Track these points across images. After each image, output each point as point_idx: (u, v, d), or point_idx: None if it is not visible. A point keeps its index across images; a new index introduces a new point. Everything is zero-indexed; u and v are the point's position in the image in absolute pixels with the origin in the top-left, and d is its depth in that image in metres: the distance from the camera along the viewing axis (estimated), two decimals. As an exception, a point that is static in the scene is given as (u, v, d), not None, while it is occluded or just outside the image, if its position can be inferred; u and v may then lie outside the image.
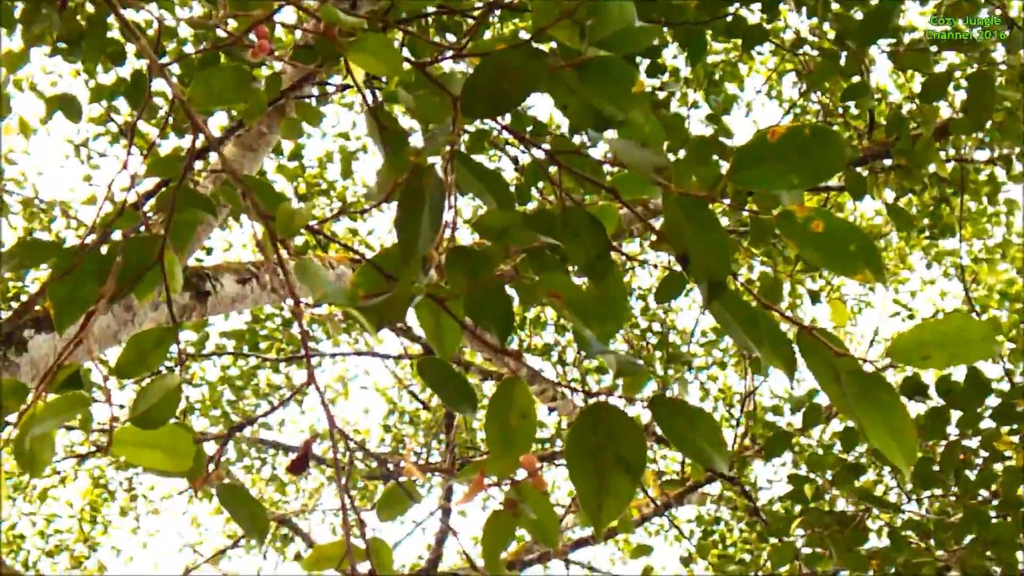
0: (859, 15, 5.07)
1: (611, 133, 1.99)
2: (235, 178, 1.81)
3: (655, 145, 1.84)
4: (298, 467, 1.77)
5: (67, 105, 5.35)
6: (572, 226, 1.94)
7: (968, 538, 5.30)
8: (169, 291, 1.98)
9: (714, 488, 11.59)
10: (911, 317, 11.71)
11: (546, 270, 1.95)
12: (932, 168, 8.83)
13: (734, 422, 12.01)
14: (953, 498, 5.44)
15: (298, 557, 11.20)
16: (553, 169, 2.04)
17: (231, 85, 2.00)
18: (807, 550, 5.50)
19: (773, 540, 5.84)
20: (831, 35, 5.57)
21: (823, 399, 5.58)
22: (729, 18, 5.42)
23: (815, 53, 5.78)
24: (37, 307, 4.68)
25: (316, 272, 1.72)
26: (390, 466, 9.14)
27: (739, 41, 5.62)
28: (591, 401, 1.84)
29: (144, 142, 7.60)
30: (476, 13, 4.34)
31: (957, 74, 5.85)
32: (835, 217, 1.84)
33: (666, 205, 1.84)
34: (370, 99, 2.04)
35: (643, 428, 1.83)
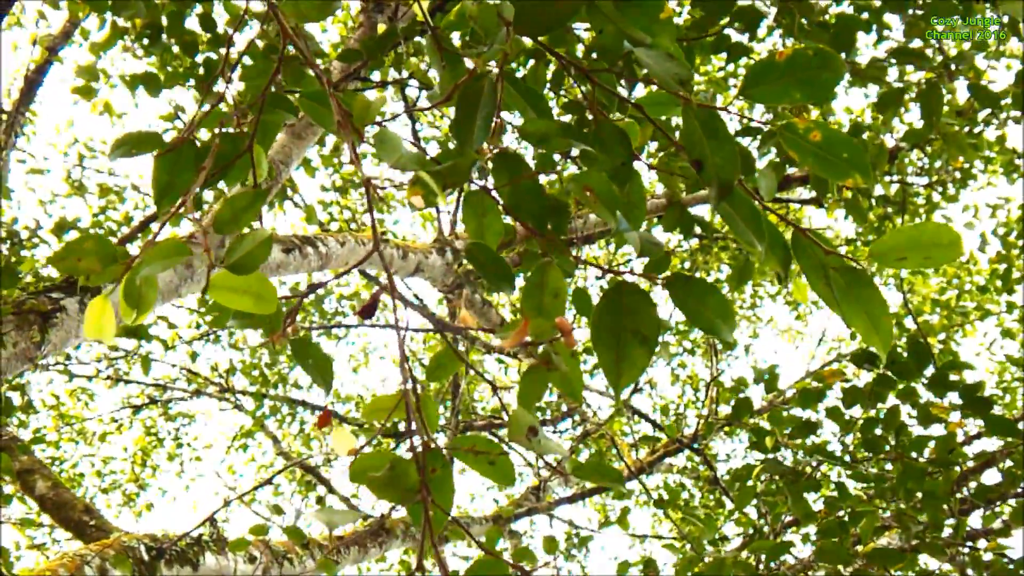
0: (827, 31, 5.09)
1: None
2: (322, 78, 1.82)
3: (678, 59, 1.84)
4: (367, 312, 1.77)
5: (149, 82, 5.35)
6: (602, 136, 1.94)
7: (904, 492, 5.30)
8: (256, 177, 1.98)
9: (680, 460, 11.60)
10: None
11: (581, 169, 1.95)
12: (879, 190, 8.86)
13: (699, 404, 12.02)
14: (893, 458, 5.44)
15: (320, 501, 11.17)
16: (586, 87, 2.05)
17: (316, 2, 2.00)
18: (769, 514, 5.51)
19: (735, 491, 5.84)
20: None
21: (782, 375, 5.58)
22: (715, 37, 5.44)
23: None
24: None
25: (392, 140, 1.72)
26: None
27: (724, 56, 5.64)
28: (611, 280, 1.85)
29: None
30: None
31: (911, 92, 5.87)
32: (831, 128, 1.85)
33: (685, 116, 1.85)
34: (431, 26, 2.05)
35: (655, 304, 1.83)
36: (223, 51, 5.64)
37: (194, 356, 10.76)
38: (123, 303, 1.73)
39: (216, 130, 2.02)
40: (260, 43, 6.26)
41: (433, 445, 1.80)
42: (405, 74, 7.12)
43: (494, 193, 1.95)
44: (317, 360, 1.90)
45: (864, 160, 1.83)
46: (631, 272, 1.84)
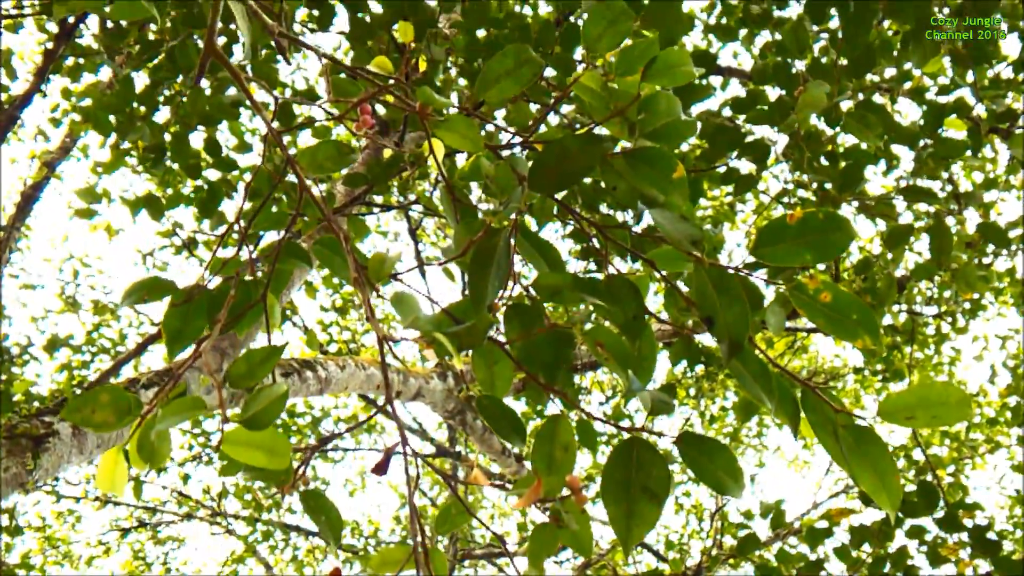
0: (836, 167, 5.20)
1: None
2: (338, 232, 1.89)
3: (691, 221, 1.92)
4: (381, 469, 1.81)
5: (151, 205, 5.44)
6: (613, 290, 2.00)
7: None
8: (270, 326, 2.04)
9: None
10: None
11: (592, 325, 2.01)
12: (887, 320, 8.93)
13: (704, 534, 11.96)
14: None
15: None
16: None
17: (333, 156, 2.08)
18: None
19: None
20: (808, 188, 5.68)
21: (789, 508, 5.60)
22: (723, 169, 5.55)
23: (796, 201, 5.89)
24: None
25: (408, 301, 1.78)
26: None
27: (731, 188, 5.75)
28: (625, 436, 1.89)
29: (210, 249, 7.70)
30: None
31: (919, 224, 5.96)
32: (840, 290, 1.91)
33: (697, 275, 1.92)
34: (445, 175, 2.13)
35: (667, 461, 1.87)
36: (233, 186, 5.76)
37: (186, 478, 10.74)
38: (135, 455, 1.78)
39: (231, 277, 2.08)
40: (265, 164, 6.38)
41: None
42: (410, 197, 7.24)
43: (506, 346, 2.01)
44: (327, 513, 1.94)
45: (874, 322, 1.89)
46: (643, 429, 1.89)
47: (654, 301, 10.09)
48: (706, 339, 8.74)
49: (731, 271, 1.90)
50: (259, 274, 2.13)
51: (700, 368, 10.35)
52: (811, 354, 11.67)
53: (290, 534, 11.26)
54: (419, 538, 1.83)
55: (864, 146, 5.18)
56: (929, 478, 5.93)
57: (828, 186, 5.29)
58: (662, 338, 8.53)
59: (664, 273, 2.10)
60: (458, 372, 8.04)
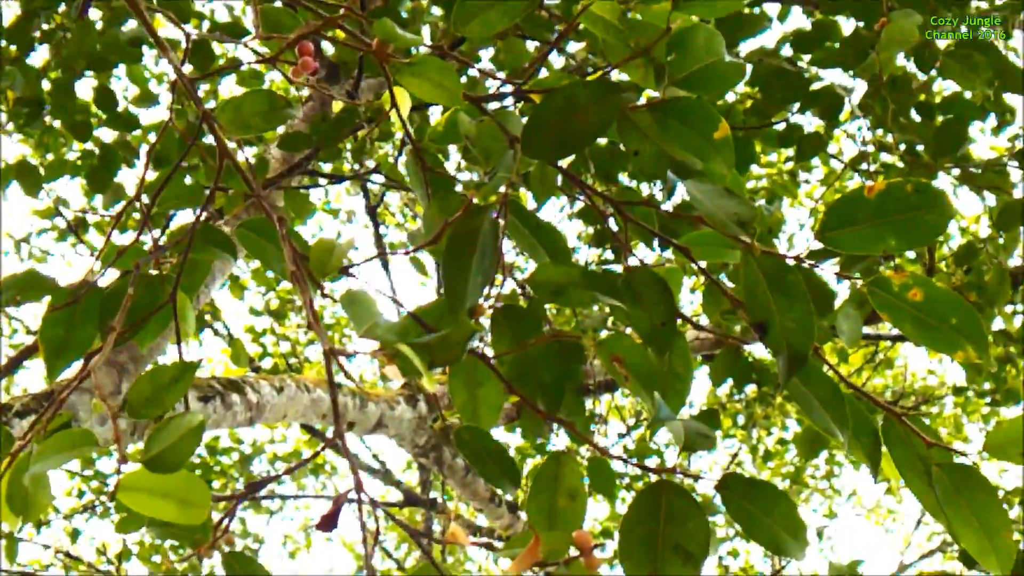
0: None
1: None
2: (271, 212, 1.88)
3: (738, 195, 1.91)
4: (328, 524, 1.81)
5: (25, 175, 5.43)
6: (636, 288, 2.00)
7: None
8: (181, 336, 2.04)
9: None
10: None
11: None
12: (997, 324, 8.94)
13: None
14: None
15: None
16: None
17: (264, 111, 2.08)
18: None
19: None
20: (893, 151, 5.69)
21: (869, 570, 5.60)
22: (782, 125, 5.54)
23: (877, 169, 5.90)
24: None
25: (364, 304, 1.78)
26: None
27: (791, 151, 5.74)
28: (652, 479, 1.89)
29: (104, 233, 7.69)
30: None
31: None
32: (936, 286, 1.91)
33: (745, 267, 1.91)
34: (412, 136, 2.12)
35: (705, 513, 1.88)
36: (134, 150, 5.75)
37: (74, 535, 10.73)
38: (4, 506, 1.77)
39: (130, 271, 2.08)
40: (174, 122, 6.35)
41: None
42: (368, 164, 7.23)
43: (493, 361, 2.01)
44: (257, 581, 1.93)
45: (979, 329, 1.89)
46: (675, 470, 1.88)
47: (689, 301, 10.10)
48: (759, 350, 8.75)
49: (791, 262, 1.89)
50: (167, 267, 2.13)
51: (751, 389, 10.36)
52: (897, 370, 11.69)
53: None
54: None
55: (968, 95, 5.18)
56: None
57: (920, 148, 5.30)
58: (700, 349, 8.54)
59: (703, 265, 2.10)
60: (432, 395, 8.03)
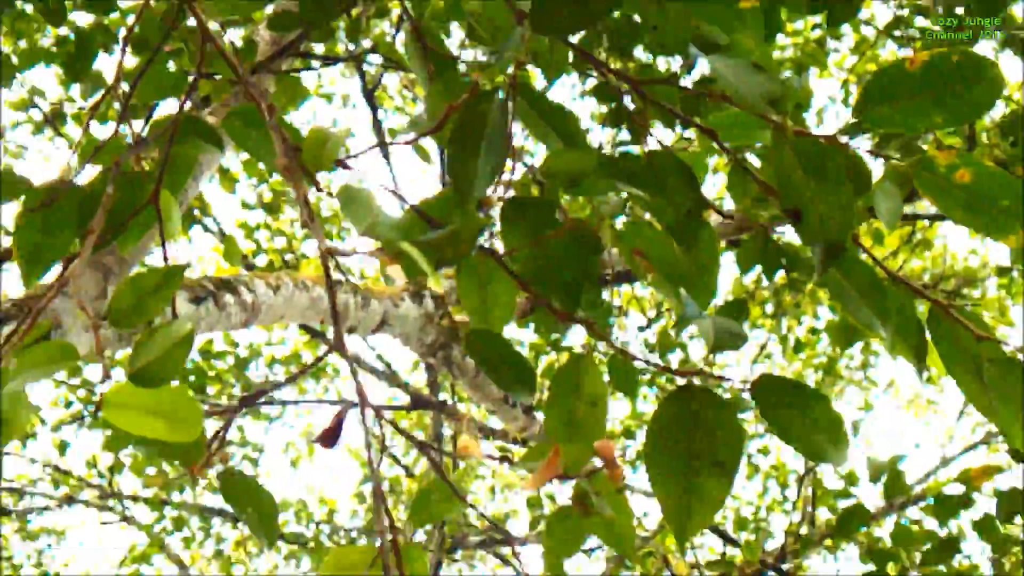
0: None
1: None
2: (260, 100, 1.84)
3: (768, 71, 1.87)
4: (329, 439, 1.79)
5: (-3, 67, 5.38)
6: (659, 174, 1.96)
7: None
8: (164, 236, 2.01)
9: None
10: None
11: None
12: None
13: (789, 505, 12.02)
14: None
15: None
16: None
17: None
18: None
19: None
20: (932, 15, 5.61)
21: (909, 466, 5.60)
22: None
23: (914, 35, 5.82)
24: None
25: (363, 200, 1.74)
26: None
27: (819, 18, 5.66)
28: (679, 383, 1.86)
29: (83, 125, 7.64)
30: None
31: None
32: (984, 165, 1.87)
33: (777, 149, 1.87)
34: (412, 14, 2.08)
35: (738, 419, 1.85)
36: (112, 34, 5.69)
37: (63, 447, 10.75)
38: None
39: (110, 168, 2.04)
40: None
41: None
42: (364, 44, 7.16)
43: (504, 258, 1.97)
44: (256, 502, 1.91)
45: (1032, 210, 1.85)
46: (704, 372, 1.85)
47: (714, 185, 10.04)
48: (789, 232, 8.72)
49: (826, 141, 1.85)
50: (149, 162, 2.09)
51: (780, 275, 10.33)
52: (936, 251, 11.64)
53: (211, 521, 11.32)
54: (388, 533, 1.80)
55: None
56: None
57: (959, 11, 5.22)
58: (724, 235, 8.50)
59: (728, 146, 2.06)
60: (438, 292, 8.00)
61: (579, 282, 2.01)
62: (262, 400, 10.84)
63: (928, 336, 2.01)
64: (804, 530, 10.53)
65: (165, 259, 1.99)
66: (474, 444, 1.93)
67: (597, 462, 1.88)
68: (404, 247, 1.65)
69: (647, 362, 1.99)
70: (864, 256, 2.02)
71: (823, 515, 10.98)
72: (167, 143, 2.05)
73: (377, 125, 9.41)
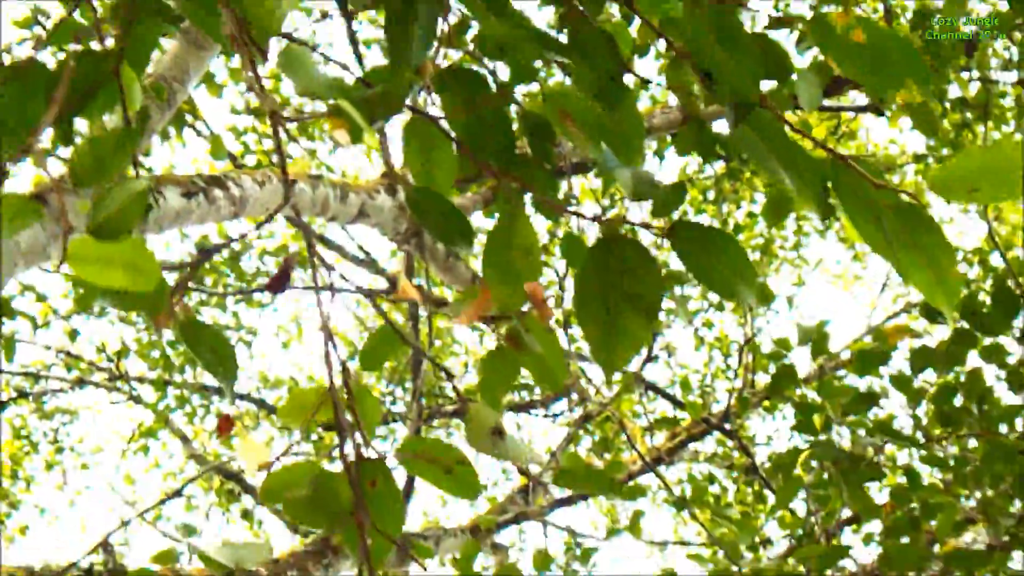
0: None
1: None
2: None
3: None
4: (278, 285, 1.75)
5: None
6: (582, 43, 1.92)
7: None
8: (126, 109, 1.95)
9: (708, 445, 11.65)
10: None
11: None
12: (954, 92, 8.85)
13: (731, 373, 12.06)
14: (976, 434, 5.45)
15: (246, 515, 11.18)
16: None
17: None
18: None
19: (778, 483, 5.85)
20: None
21: (837, 333, 5.61)
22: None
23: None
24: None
25: (301, 60, 1.69)
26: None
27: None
28: (602, 229, 1.83)
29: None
30: None
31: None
32: (877, 26, 1.83)
33: (691, 17, 1.83)
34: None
35: (657, 262, 1.82)
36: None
37: (73, 335, 10.70)
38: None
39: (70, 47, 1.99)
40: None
41: (369, 452, 1.79)
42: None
43: (443, 123, 1.93)
44: (215, 347, 1.88)
45: (921, 63, 1.82)
46: (624, 221, 1.82)
47: (658, 84, 9.92)
48: (724, 126, 8.65)
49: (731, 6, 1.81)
50: (111, 42, 2.04)
51: (720, 165, 10.29)
52: (859, 142, 11.61)
53: (211, 398, 11.30)
54: (338, 375, 1.77)
55: None
56: (1010, 285, 5.93)
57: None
58: (668, 127, 8.45)
59: (648, 20, 2.01)
60: (411, 183, 7.94)
61: (511, 147, 1.97)
62: (253, 287, 10.82)
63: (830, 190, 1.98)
64: (745, 393, 10.58)
65: (128, 124, 1.94)
66: (410, 288, 1.89)
67: (528, 306, 1.85)
68: (340, 104, 1.61)
69: (579, 215, 1.96)
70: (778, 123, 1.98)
71: (762, 380, 11.02)
72: (126, 22, 1.99)
73: (351, 35, 9.30)
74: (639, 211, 11.23)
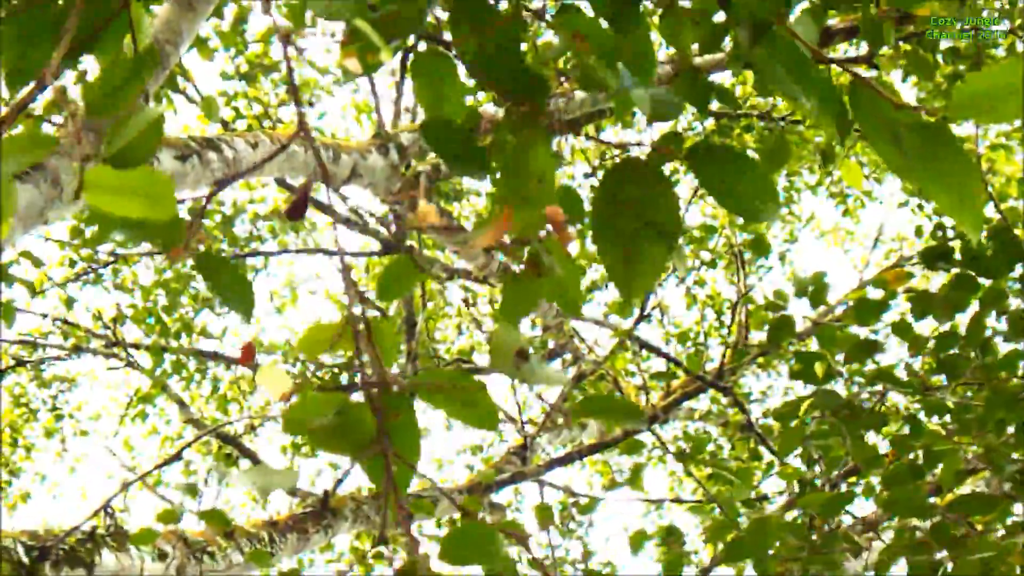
0: None
1: None
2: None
3: None
4: (296, 211, 1.73)
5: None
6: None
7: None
8: (136, 44, 1.92)
9: (702, 403, 11.66)
10: (920, 208, 11.70)
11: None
12: (946, 43, 8.81)
13: (724, 331, 12.05)
14: (978, 381, 5.44)
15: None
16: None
17: None
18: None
19: (775, 437, 5.83)
20: None
21: (831, 280, 5.58)
22: None
23: None
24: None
25: (315, -19, 1.66)
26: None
27: None
28: (619, 155, 1.80)
29: None
30: None
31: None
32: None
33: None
34: None
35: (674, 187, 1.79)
36: None
37: (70, 302, 10.68)
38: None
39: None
40: None
41: (393, 382, 1.77)
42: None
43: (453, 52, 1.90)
44: (232, 281, 1.85)
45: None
46: (638, 145, 1.80)
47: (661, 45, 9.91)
48: (716, 78, 8.61)
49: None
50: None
51: (710, 122, 10.26)
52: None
53: (207, 363, 11.27)
54: (356, 302, 1.75)
55: None
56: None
57: None
58: (660, 82, 8.42)
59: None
60: (402, 144, 7.89)
61: (524, 74, 1.94)
62: (247, 251, 10.78)
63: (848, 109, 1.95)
64: (740, 347, 10.58)
65: (136, 53, 1.91)
66: (432, 213, 1.87)
67: (547, 227, 1.83)
68: (357, 23, 1.58)
69: (600, 141, 1.93)
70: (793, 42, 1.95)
71: (755, 337, 11.01)
72: (134, -44, 1.96)
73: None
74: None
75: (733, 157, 1.78)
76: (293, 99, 1.51)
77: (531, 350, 1.63)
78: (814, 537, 5.09)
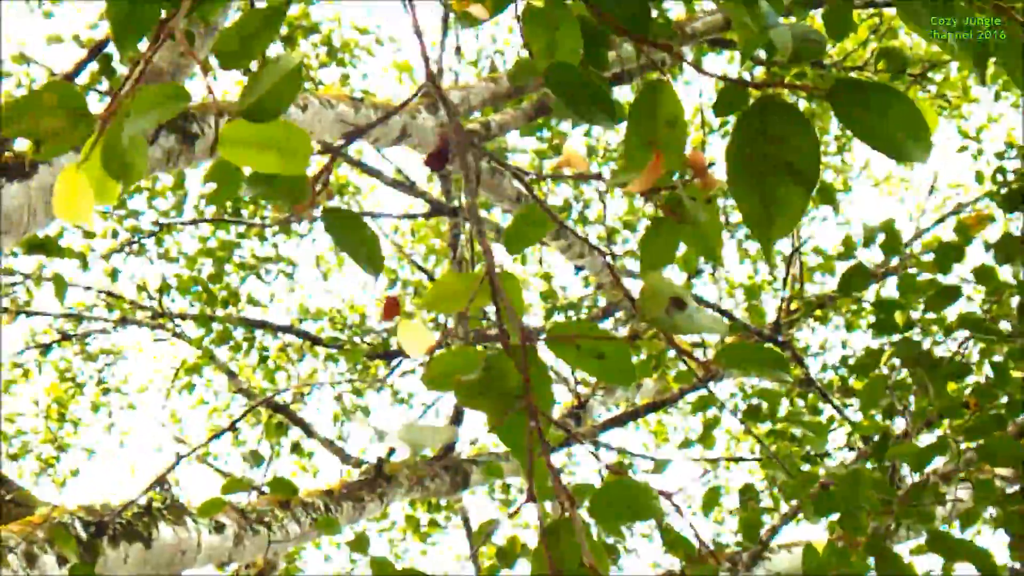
0: None
1: None
2: None
3: None
4: (438, 161, 1.71)
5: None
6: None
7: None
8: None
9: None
10: (980, 153, 11.60)
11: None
12: None
13: (779, 284, 12.00)
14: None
15: (296, 447, 11.19)
16: None
17: None
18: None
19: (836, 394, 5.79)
20: None
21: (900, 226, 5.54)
22: None
23: None
24: (7, 152, 4.56)
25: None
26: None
27: None
28: (758, 95, 1.77)
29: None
30: None
31: None
32: None
33: None
34: None
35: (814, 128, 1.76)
36: None
37: (114, 274, 10.68)
38: (99, 175, 1.66)
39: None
40: None
41: (530, 336, 1.75)
42: None
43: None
44: (361, 238, 1.83)
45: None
46: (780, 83, 1.77)
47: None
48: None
49: None
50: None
51: (760, 71, 10.18)
52: (901, 40, 11.48)
53: (254, 332, 11.26)
54: (490, 257, 1.73)
55: None
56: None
57: None
58: (713, 31, 8.38)
59: None
60: (449, 102, 7.86)
61: (647, 10, 1.91)
62: (291, 220, 10.75)
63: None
64: (794, 305, 10.53)
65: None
66: (578, 156, 1.84)
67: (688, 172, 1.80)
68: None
69: (727, 79, 1.91)
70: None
71: (810, 290, 10.95)
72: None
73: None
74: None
75: (879, 93, 1.75)
76: (423, 59, 1.49)
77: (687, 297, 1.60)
78: (899, 491, 5.06)
